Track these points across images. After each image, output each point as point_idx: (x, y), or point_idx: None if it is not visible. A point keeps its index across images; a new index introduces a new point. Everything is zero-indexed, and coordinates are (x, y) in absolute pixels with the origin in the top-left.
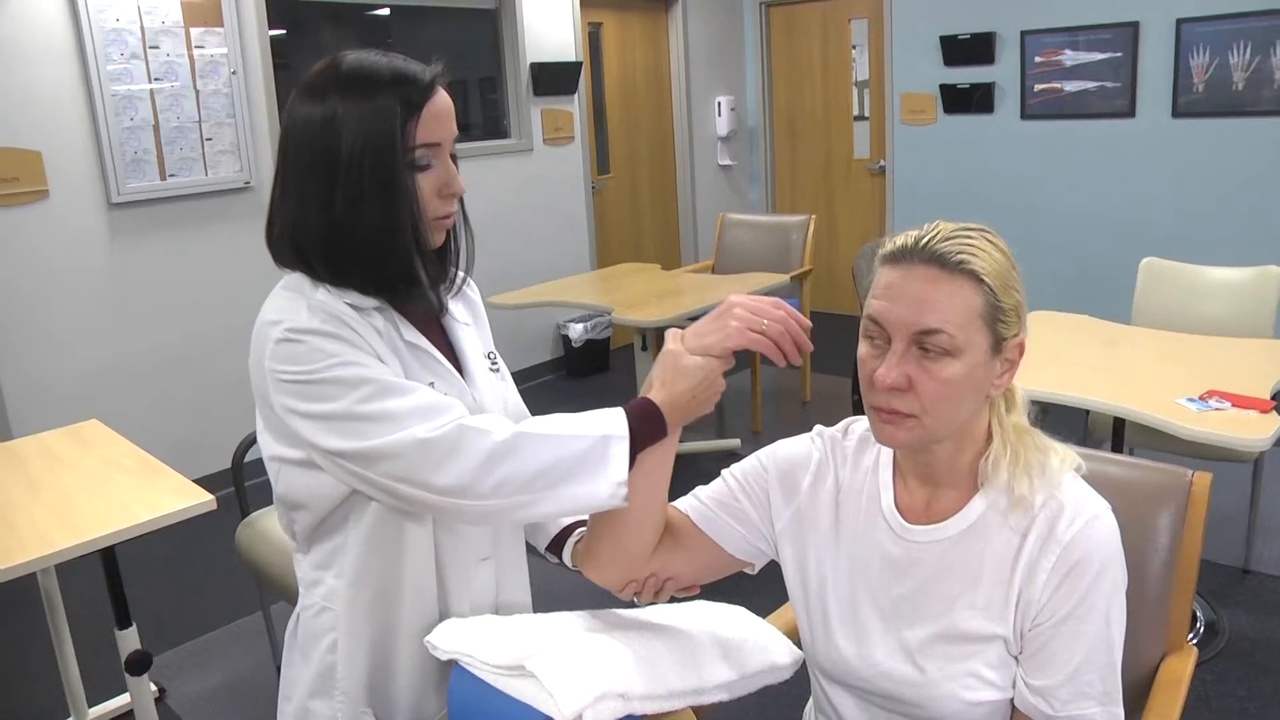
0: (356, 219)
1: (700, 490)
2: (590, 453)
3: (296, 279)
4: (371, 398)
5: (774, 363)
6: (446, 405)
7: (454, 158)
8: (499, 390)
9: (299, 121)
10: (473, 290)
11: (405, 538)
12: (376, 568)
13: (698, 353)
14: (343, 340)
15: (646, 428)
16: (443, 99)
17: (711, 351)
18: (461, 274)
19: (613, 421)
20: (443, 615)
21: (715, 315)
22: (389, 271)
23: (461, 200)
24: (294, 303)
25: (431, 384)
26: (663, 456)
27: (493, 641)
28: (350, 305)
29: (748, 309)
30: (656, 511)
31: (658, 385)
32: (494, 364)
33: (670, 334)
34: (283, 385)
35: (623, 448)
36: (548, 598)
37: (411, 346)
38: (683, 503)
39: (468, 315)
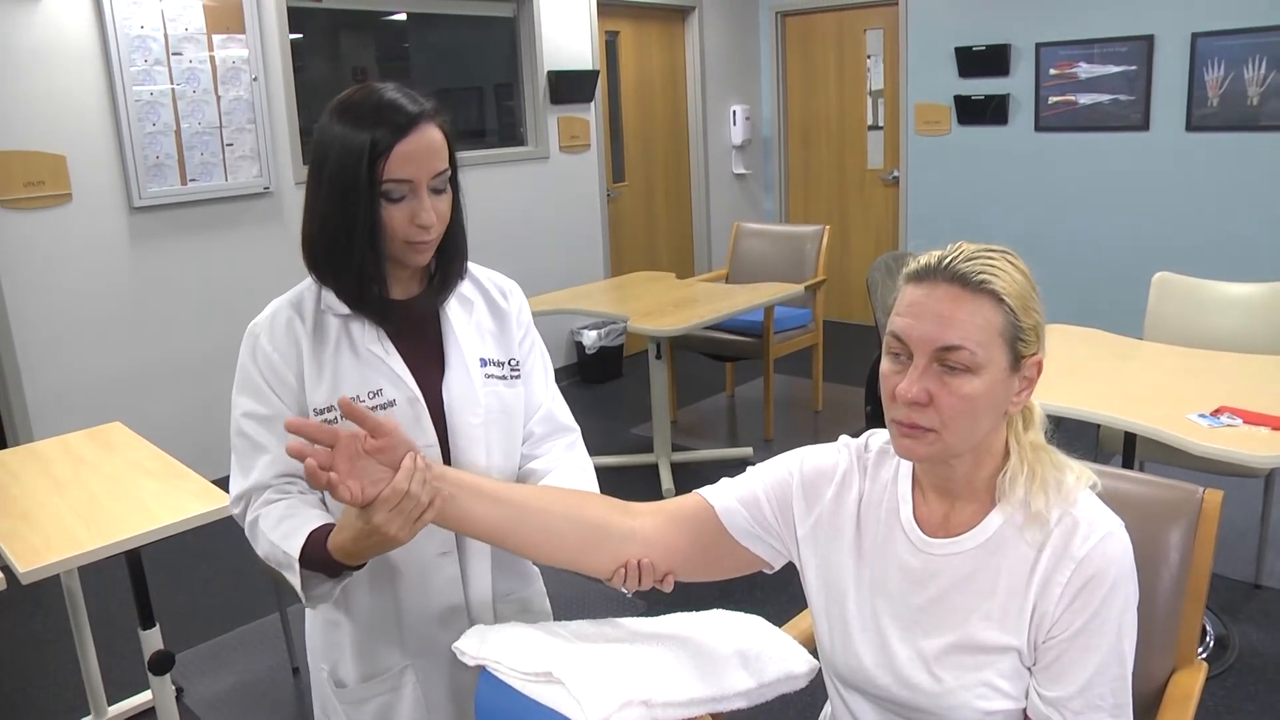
0: (325, 232)
1: (726, 483)
2: (283, 564)
3: (308, 279)
4: (236, 421)
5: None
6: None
7: (441, 189)
8: (485, 394)
9: (316, 135)
10: (506, 300)
11: None
12: None
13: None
14: (254, 353)
15: (330, 564)
16: (422, 139)
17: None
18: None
19: (292, 546)
20: (404, 607)
21: None
22: (348, 282)
23: (459, 216)
24: (276, 302)
25: (380, 389)
26: (468, 517)
27: (520, 648)
28: (338, 312)
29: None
30: (540, 525)
31: (337, 528)
32: (514, 370)
33: None
34: None
35: (294, 575)
36: (555, 600)
37: (370, 354)
38: (710, 493)
39: (491, 321)
